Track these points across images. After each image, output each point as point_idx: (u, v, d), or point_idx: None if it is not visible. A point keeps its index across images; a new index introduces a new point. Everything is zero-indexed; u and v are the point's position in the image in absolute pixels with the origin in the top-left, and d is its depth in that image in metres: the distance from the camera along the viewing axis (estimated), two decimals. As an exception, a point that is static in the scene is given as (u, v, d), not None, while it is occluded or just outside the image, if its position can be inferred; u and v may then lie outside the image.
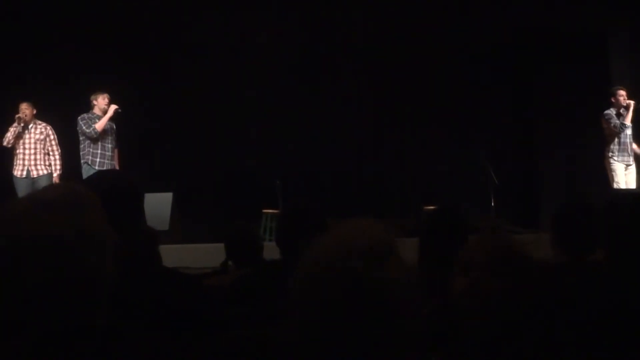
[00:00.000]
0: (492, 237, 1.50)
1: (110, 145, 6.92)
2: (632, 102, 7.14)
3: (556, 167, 8.62)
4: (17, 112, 6.94)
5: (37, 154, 6.99)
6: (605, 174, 7.31)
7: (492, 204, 7.65)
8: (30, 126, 7.00)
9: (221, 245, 3.30)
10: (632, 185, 7.22)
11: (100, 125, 6.80)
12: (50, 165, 7.07)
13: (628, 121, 7.16)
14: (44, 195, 1.11)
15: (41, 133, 7.03)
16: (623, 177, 7.20)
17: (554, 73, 8.70)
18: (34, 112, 7.03)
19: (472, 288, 1.40)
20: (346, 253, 0.95)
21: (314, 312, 0.94)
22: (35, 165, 6.99)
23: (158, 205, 6.49)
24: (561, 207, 2.53)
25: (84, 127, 6.81)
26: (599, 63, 8.40)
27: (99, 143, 6.86)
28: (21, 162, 6.97)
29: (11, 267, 1.03)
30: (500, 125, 9.07)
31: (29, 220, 1.05)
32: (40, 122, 7.07)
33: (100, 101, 6.89)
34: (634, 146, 7.32)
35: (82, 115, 6.88)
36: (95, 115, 6.89)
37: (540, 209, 8.57)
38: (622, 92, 7.21)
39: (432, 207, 5.79)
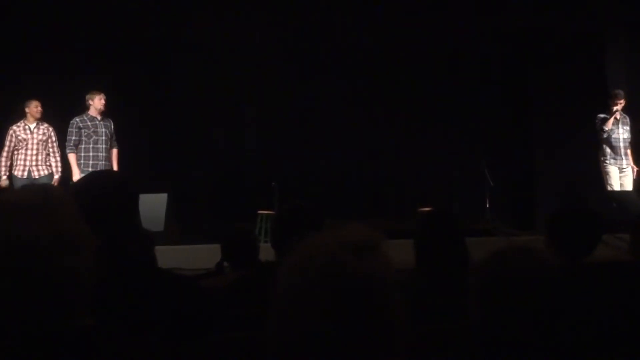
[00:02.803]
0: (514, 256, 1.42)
1: (103, 147, 6.89)
2: (614, 108, 7.18)
3: (552, 169, 8.64)
4: (22, 110, 6.95)
5: (38, 154, 6.98)
6: (601, 176, 7.35)
7: (487, 205, 7.66)
8: (33, 126, 7.00)
9: (216, 246, 3.29)
10: (629, 188, 7.25)
11: (72, 160, 6.81)
12: (51, 165, 7.06)
13: (607, 127, 7.19)
14: (12, 199, 1.11)
15: (44, 134, 7.02)
16: (617, 179, 7.23)
17: (551, 75, 8.72)
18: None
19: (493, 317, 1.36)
20: (333, 248, 0.95)
21: (301, 306, 0.93)
22: (37, 165, 6.98)
23: (153, 206, 6.48)
24: (556, 209, 2.53)
25: (68, 136, 6.84)
26: (595, 65, 8.43)
27: (90, 145, 6.84)
28: (22, 162, 6.96)
29: None
30: (496, 127, 9.08)
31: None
32: (42, 122, 7.06)
33: (97, 102, 6.87)
34: (628, 151, 7.35)
35: (73, 120, 6.87)
36: (88, 117, 6.89)
37: (536, 210, 8.58)
38: (617, 98, 7.23)
39: (427, 209, 5.81)
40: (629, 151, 7.36)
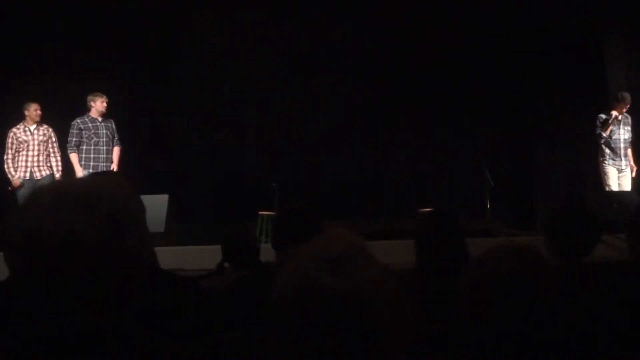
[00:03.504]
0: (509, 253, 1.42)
1: (104, 148, 6.95)
2: (613, 114, 7.18)
3: (553, 169, 8.63)
4: (23, 112, 6.99)
5: (40, 155, 7.02)
6: (600, 176, 7.36)
7: (488, 205, 7.66)
8: (33, 128, 7.02)
9: (217, 247, 3.29)
10: (627, 188, 7.25)
11: (74, 160, 6.90)
12: (51, 166, 7.09)
13: (605, 133, 7.21)
14: (68, 189, 1.06)
15: (44, 135, 7.06)
16: (615, 180, 7.24)
17: (551, 75, 8.72)
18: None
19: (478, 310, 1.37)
20: (309, 265, 0.93)
21: (289, 326, 0.93)
22: (38, 166, 7.01)
23: (154, 207, 6.47)
24: (555, 209, 2.53)
25: (69, 137, 6.92)
26: (595, 65, 8.42)
27: (92, 147, 6.90)
28: (24, 163, 6.99)
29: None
30: (496, 128, 9.08)
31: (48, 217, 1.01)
32: (41, 124, 7.09)
33: (99, 104, 6.95)
34: (629, 152, 7.35)
35: (75, 121, 6.95)
36: (89, 118, 6.95)
37: (537, 211, 8.58)
38: (623, 102, 7.21)
39: (427, 209, 5.81)
40: (629, 151, 7.36)
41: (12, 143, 7.00)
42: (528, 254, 1.40)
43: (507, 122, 9.15)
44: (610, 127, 7.22)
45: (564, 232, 2.41)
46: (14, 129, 7.01)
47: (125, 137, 7.31)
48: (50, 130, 7.13)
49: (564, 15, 8.27)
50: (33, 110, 6.98)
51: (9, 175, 6.96)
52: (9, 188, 6.97)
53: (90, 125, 6.94)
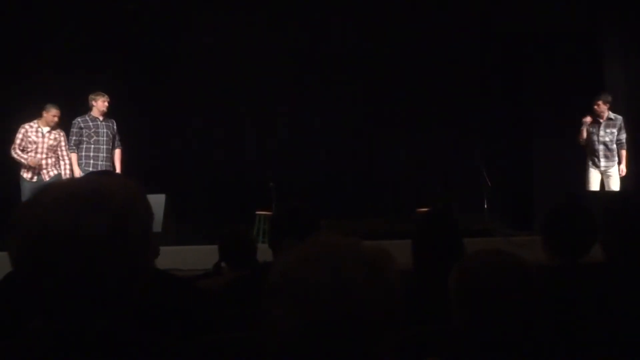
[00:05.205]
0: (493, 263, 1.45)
1: (104, 147, 6.95)
2: (585, 121, 7.22)
3: (550, 169, 8.63)
4: (35, 111, 6.95)
5: (47, 159, 6.95)
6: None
7: (485, 206, 7.65)
8: (46, 130, 6.96)
9: (214, 247, 3.29)
10: (614, 188, 7.23)
11: (73, 160, 6.94)
12: (60, 167, 7.03)
13: (580, 137, 7.28)
14: (68, 186, 1.07)
15: (55, 139, 7.00)
16: (595, 182, 7.28)
17: (549, 75, 8.72)
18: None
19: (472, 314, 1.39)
20: (346, 263, 0.97)
21: (295, 311, 0.93)
22: (46, 169, 6.95)
23: (151, 207, 6.46)
24: (552, 209, 2.53)
25: (69, 136, 6.94)
26: (593, 65, 8.43)
27: (92, 146, 6.91)
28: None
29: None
30: (494, 128, 9.08)
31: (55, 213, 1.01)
32: (56, 127, 7.01)
33: (100, 103, 6.96)
34: (623, 153, 7.32)
35: (75, 120, 6.96)
36: (90, 117, 6.98)
37: (534, 211, 8.58)
38: (599, 104, 7.23)
39: (425, 209, 5.81)
40: (614, 153, 7.30)
41: (22, 140, 6.89)
42: (506, 257, 1.43)
43: (504, 122, 9.15)
44: (586, 130, 7.25)
45: (561, 232, 2.40)
46: (27, 126, 6.90)
47: (123, 137, 7.31)
48: (62, 134, 7.04)
49: (562, 14, 8.27)
50: (52, 115, 6.88)
51: (22, 160, 6.82)
52: (24, 171, 6.83)
53: (90, 124, 6.96)
